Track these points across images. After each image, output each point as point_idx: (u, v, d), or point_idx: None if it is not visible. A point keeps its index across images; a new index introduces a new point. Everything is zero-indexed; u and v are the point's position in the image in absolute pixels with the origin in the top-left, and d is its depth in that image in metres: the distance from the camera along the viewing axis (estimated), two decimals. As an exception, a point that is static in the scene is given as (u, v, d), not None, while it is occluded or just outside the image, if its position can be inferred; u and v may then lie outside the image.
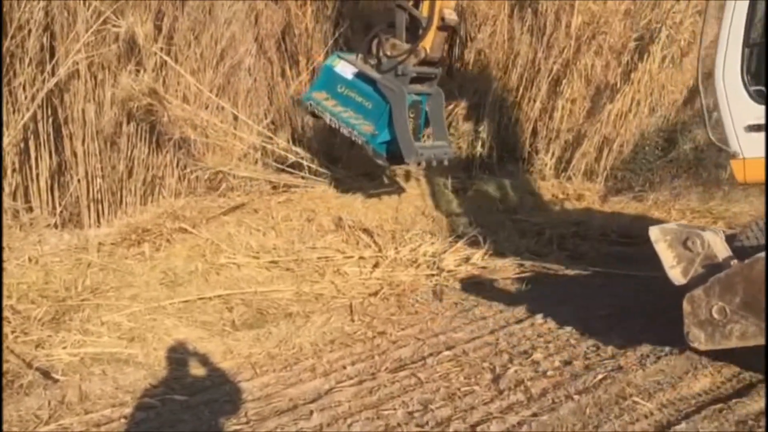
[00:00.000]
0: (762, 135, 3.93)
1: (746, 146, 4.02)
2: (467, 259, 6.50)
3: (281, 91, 8.89)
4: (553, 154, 9.01)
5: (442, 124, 6.76)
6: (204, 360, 4.05)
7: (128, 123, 7.28)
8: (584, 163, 9.18)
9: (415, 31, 6.12)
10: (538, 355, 3.99)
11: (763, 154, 3.92)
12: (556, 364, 3.87)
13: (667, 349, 4.03)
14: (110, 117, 7.05)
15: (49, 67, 6.02)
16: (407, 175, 8.09)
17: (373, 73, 6.13)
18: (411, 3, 6.11)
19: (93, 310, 4.55)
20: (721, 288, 3.40)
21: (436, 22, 5.89)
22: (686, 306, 3.54)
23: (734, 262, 3.53)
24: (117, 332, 4.28)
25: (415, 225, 7.14)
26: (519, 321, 4.74)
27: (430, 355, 4.10)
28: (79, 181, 6.60)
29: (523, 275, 6.16)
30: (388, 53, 6.02)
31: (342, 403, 3.40)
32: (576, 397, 3.36)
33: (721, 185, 9.61)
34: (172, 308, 4.71)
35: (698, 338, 3.51)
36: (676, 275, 3.68)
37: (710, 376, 3.68)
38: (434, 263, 6.28)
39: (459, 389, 3.55)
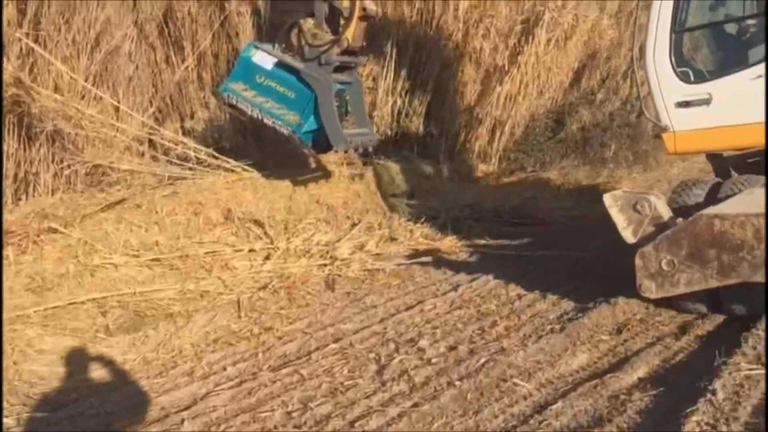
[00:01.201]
0: (689, 110, 4.43)
1: (676, 121, 4.50)
2: (362, 247, 6.42)
3: (166, 78, 8.48)
4: (447, 136, 9.08)
5: (363, 112, 6.89)
6: (71, 371, 3.76)
7: (-7, 115, 6.73)
8: (477, 145, 9.33)
9: (334, 20, 6.19)
10: (424, 342, 3.96)
11: (690, 127, 4.47)
12: (442, 350, 3.85)
13: (548, 327, 4.10)
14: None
15: None
16: (301, 163, 7.91)
17: (296, 63, 6.17)
18: None
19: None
20: (669, 243, 3.70)
21: (357, 12, 5.99)
22: (638, 261, 3.83)
23: (679, 220, 3.86)
24: (-29, 346, 3.89)
25: (309, 214, 6.99)
26: (409, 308, 4.70)
27: (317, 349, 3.98)
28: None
29: (417, 260, 6.15)
30: (310, 43, 6.07)
31: (217, 408, 3.22)
32: (458, 383, 3.34)
33: (606, 164, 10.05)
34: (37, 316, 4.35)
35: (649, 288, 3.82)
36: (628, 235, 4.00)
37: (588, 352, 3.77)
38: (327, 252, 6.17)
39: (342, 383, 3.45)
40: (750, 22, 4.84)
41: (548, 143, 9.88)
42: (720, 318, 4.14)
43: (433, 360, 3.71)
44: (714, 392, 2.96)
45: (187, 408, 3.24)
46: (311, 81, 6.05)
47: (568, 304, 4.55)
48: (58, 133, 6.96)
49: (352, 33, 6.04)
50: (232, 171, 7.42)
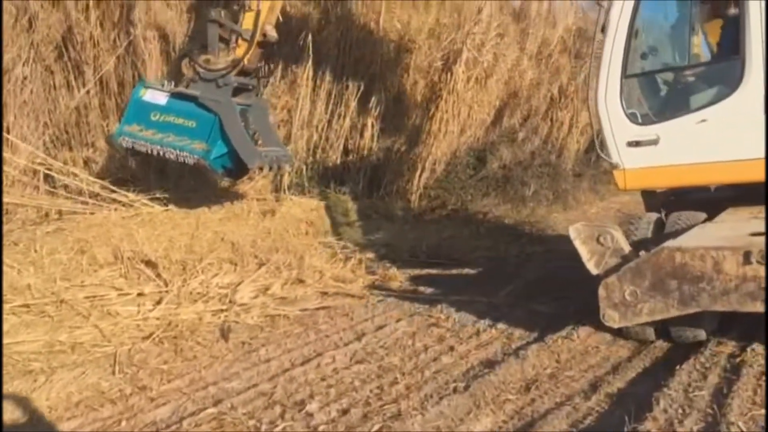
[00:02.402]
0: (639, 150, 4.68)
1: (626, 159, 4.75)
2: (266, 290, 5.97)
3: (65, 104, 7.89)
4: (365, 172, 8.79)
5: (271, 132, 6.86)
6: None
7: None
8: (397, 182, 9.07)
9: (227, 43, 6.22)
10: (314, 406, 3.53)
11: (639, 165, 4.72)
12: (332, 414, 3.43)
13: (451, 385, 3.75)
14: None
15: None
16: (207, 198, 7.42)
17: (193, 91, 6.13)
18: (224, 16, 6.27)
19: None
20: (632, 274, 3.88)
21: (258, 36, 6.04)
22: (602, 292, 3.97)
23: (642, 252, 4.04)
24: None
25: (211, 253, 6.47)
26: (306, 361, 4.28)
27: (191, 414, 3.49)
28: None
29: (325, 305, 5.76)
30: (205, 67, 6.09)
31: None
32: (342, 458, 2.94)
33: (526, 202, 9.98)
34: None
35: (612, 318, 3.97)
36: (591, 267, 4.14)
37: (492, 414, 3.44)
38: (227, 296, 5.69)
39: (210, 460, 3.00)
40: (692, 71, 5.24)
41: (469, 181, 9.76)
42: (632, 373, 3.92)
43: (320, 428, 3.28)
44: (621, 467, 2.67)
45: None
46: (212, 105, 5.96)
47: (475, 357, 4.24)
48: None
49: (249, 55, 6.07)
50: (130, 205, 6.88)
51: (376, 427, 3.24)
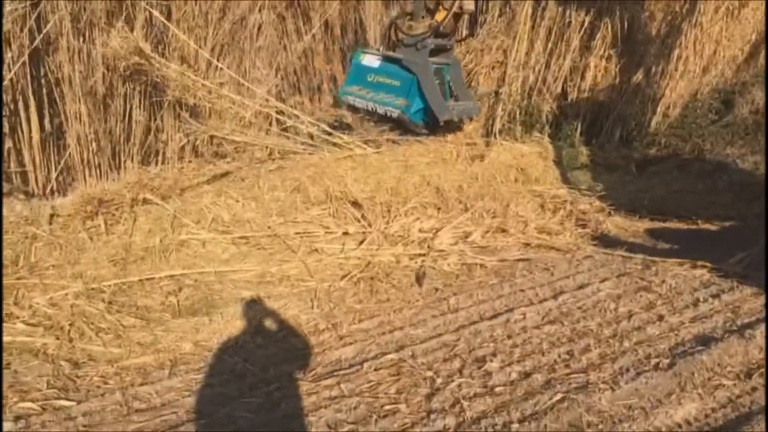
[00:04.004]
0: None
1: None
2: (465, 237, 5.84)
3: (293, 50, 8.41)
4: (584, 117, 8.11)
5: (464, 88, 7.54)
6: (122, 354, 3.62)
7: (124, 84, 6.99)
8: (621, 128, 8.24)
9: (431, 13, 6.93)
10: (494, 364, 3.35)
11: None
12: (513, 376, 3.23)
13: (653, 362, 3.32)
14: (102, 77, 6.73)
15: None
16: (417, 141, 7.42)
17: (397, 54, 7.01)
18: None
19: (28, 291, 4.21)
20: None
21: (455, 8, 6.74)
22: None
23: None
24: (36, 318, 3.90)
25: (416, 197, 6.49)
26: (495, 316, 4.10)
27: (374, 357, 3.53)
28: (68, 145, 6.43)
29: (526, 257, 5.47)
30: (407, 33, 6.91)
31: (237, 421, 2.90)
32: (515, 426, 2.73)
33: (783, 154, 8.48)
34: (110, 290, 4.30)
35: None
36: None
37: (699, 399, 2.97)
38: (425, 240, 5.67)
39: (382, 407, 2.98)
40: None
41: (711, 128, 8.54)
42: None
43: (498, 389, 3.11)
44: None
45: (210, 414, 2.95)
46: (411, 66, 6.78)
47: (688, 331, 3.70)
48: (184, 103, 7.13)
49: (445, 21, 6.75)
50: (345, 147, 7.15)
51: (557, 397, 2.98)
